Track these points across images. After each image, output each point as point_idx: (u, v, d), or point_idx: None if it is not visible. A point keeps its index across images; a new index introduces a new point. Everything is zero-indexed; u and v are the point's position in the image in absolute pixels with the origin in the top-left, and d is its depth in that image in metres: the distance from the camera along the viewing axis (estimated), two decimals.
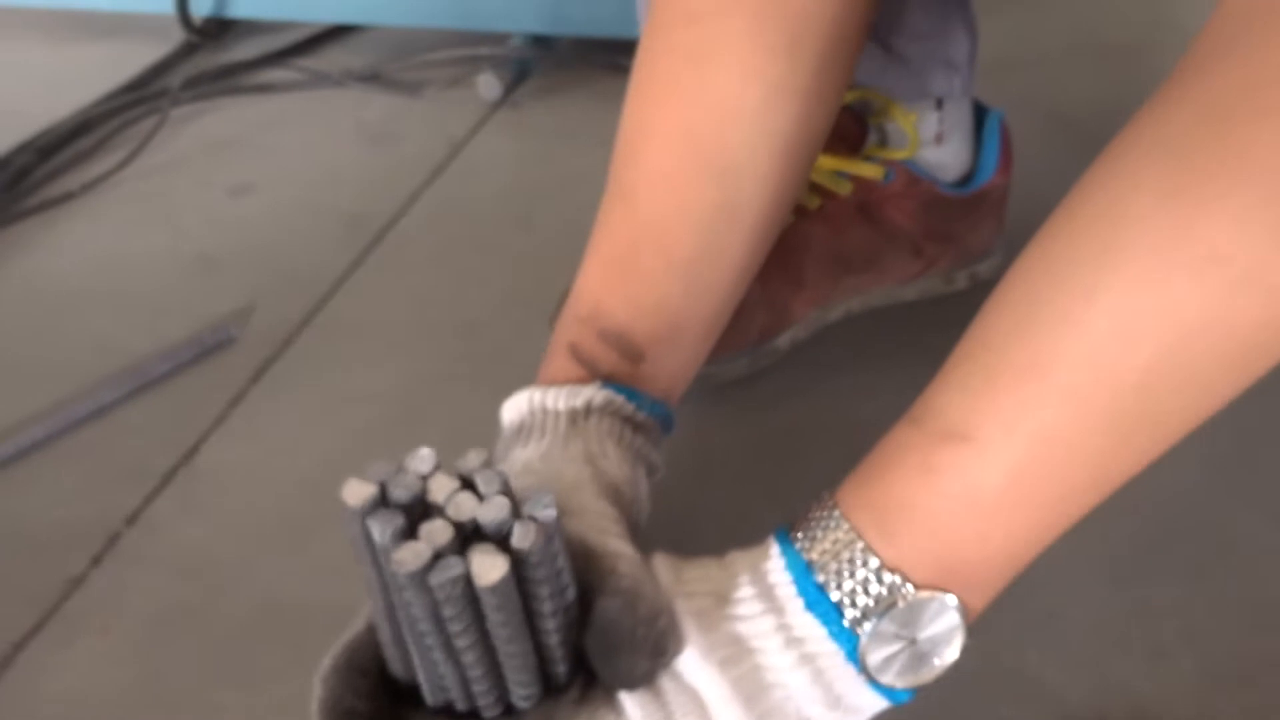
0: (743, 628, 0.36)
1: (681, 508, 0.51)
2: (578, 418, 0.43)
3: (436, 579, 0.31)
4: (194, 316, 0.70)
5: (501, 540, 0.32)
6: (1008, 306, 0.36)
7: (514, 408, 0.45)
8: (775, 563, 0.37)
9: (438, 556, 0.31)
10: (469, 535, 0.32)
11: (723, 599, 0.37)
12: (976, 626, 0.37)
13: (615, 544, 0.37)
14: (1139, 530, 0.51)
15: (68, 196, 0.83)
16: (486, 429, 0.46)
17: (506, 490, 0.33)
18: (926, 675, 0.36)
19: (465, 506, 0.32)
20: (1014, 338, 0.35)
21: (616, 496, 0.41)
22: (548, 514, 0.32)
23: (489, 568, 0.31)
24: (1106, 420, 0.34)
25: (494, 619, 0.32)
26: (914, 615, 0.35)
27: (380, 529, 0.31)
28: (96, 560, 0.54)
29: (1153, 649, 0.46)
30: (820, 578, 0.36)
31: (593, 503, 0.40)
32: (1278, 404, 0.54)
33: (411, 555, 0.31)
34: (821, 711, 0.36)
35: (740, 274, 0.47)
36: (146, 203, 0.84)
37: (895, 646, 0.35)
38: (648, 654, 0.35)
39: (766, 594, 0.37)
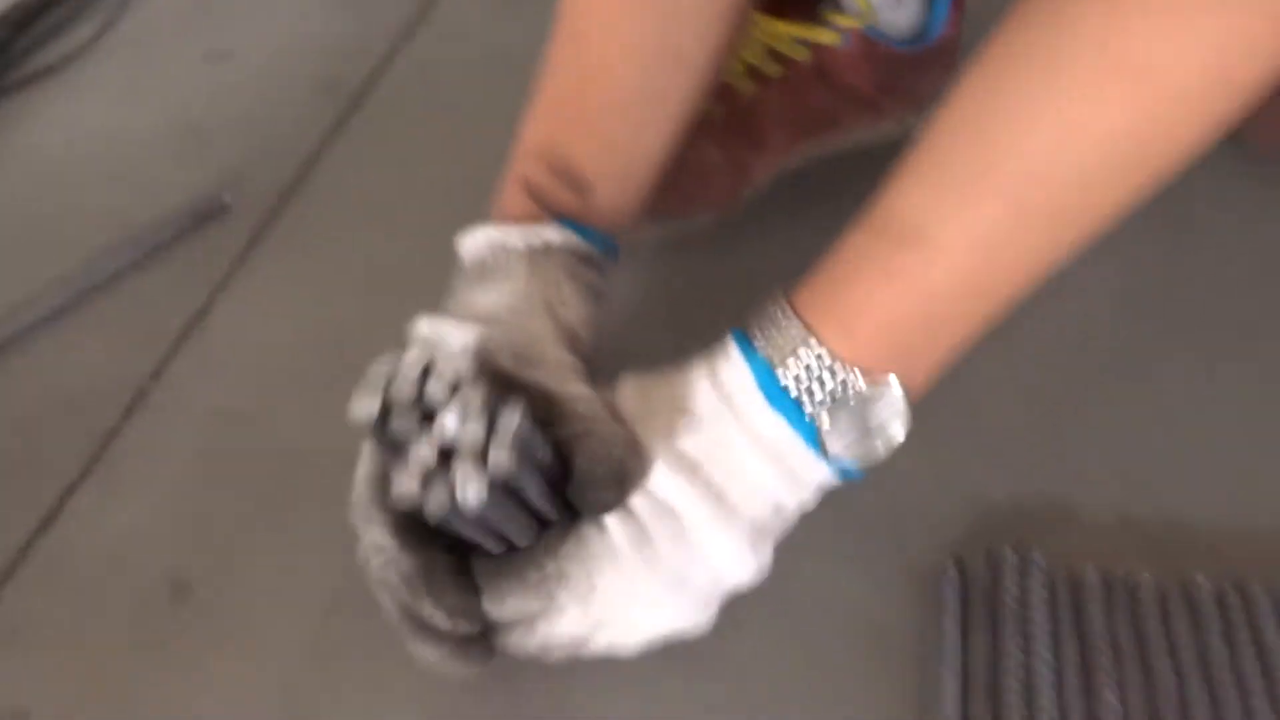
0: (706, 434, 0.41)
1: (641, 347, 0.55)
2: (536, 257, 0.47)
3: (428, 506, 0.36)
4: (186, 186, 0.73)
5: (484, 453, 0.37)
6: (958, 115, 0.39)
7: (473, 245, 0.48)
8: (735, 364, 0.42)
9: (429, 477, 0.36)
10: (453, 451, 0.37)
11: (686, 409, 0.42)
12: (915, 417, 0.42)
13: (573, 388, 0.42)
14: (1057, 349, 0.58)
15: (48, 70, 0.84)
16: None
17: (485, 403, 0.38)
18: (876, 455, 0.41)
19: (448, 429, 0.37)
20: (965, 145, 0.38)
21: (575, 342, 0.46)
22: (519, 429, 0.37)
23: (470, 491, 0.36)
24: (1048, 218, 0.38)
25: (486, 514, 0.38)
26: (867, 405, 0.40)
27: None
28: (128, 413, 0.59)
29: (1073, 456, 0.54)
30: (779, 374, 0.40)
31: (554, 353, 0.44)
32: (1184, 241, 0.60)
33: (406, 486, 0.36)
34: (787, 496, 0.42)
35: (683, 114, 0.51)
36: (127, 73, 0.85)
37: (850, 433, 0.40)
38: (612, 486, 0.41)
39: (728, 398, 0.41)
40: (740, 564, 0.42)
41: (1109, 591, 0.47)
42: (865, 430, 0.40)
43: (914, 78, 0.65)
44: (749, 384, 0.41)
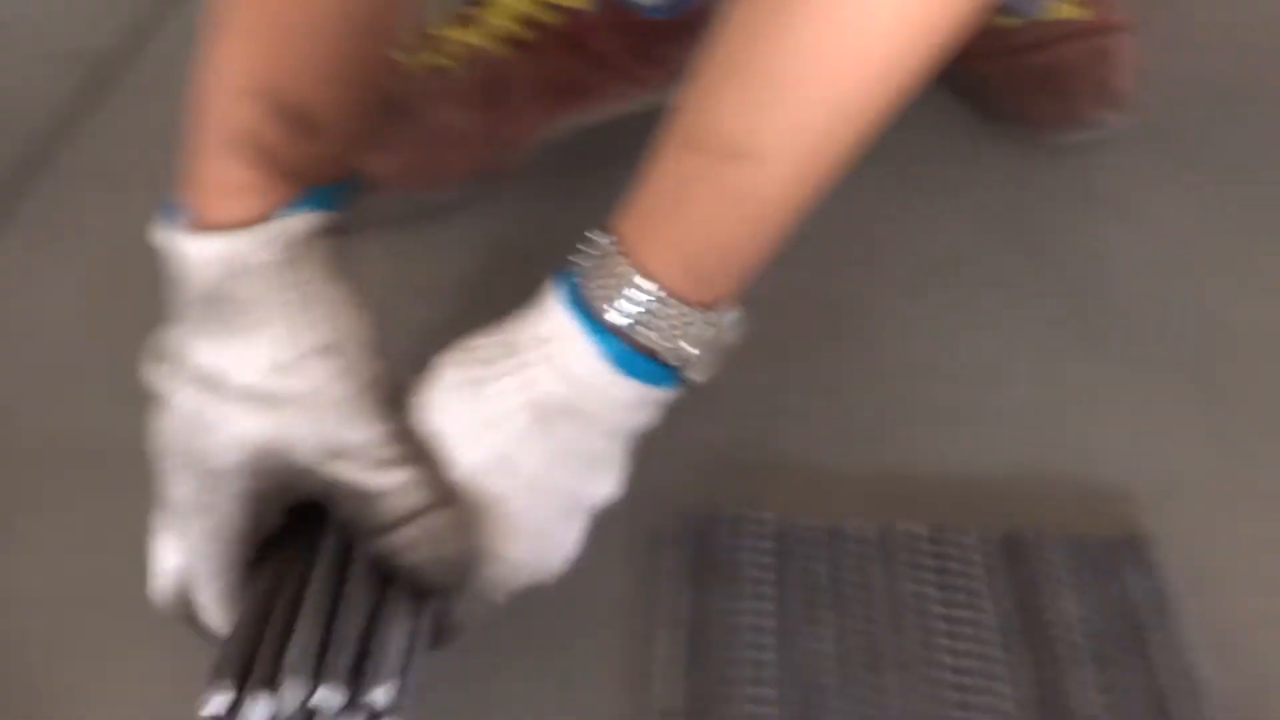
0: (519, 377, 0.39)
1: (414, 326, 0.56)
2: (286, 271, 0.40)
3: None
4: None
5: None
6: (746, 29, 0.38)
7: (203, 267, 0.40)
8: (555, 304, 0.40)
9: None
10: None
11: (490, 362, 0.40)
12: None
13: (385, 478, 0.39)
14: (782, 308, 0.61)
15: None
16: None
17: None
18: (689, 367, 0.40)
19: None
20: (764, 54, 0.38)
21: (360, 365, 0.41)
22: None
23: None
24: (855, 115, 0.38)
25: None
26: (680, 322, 0.39)
27: None
28: None
29: (796, 414, 0.56)
30: (599, 306, 0.39)
31: (353, 429, 0.40)
32: None
33: None
34: (600, 413, 0.40)
35: (388, 33, 0.45)
36: None
37: (704, 359, 0.40)
38: (453, 583, 0.40)
39: (543, 339, 0.39)
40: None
41: (823, 541, 0.49)
42: (713, 349, 0.40)
43: (668, 47, 0.66)
44: (566, 319, 0.39)
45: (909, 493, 0.53)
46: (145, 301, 0.46)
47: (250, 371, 0.39)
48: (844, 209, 0.48)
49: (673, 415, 0.51)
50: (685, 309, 0.39)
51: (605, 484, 0.42)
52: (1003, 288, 0.63)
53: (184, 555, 0.41)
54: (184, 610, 0.42)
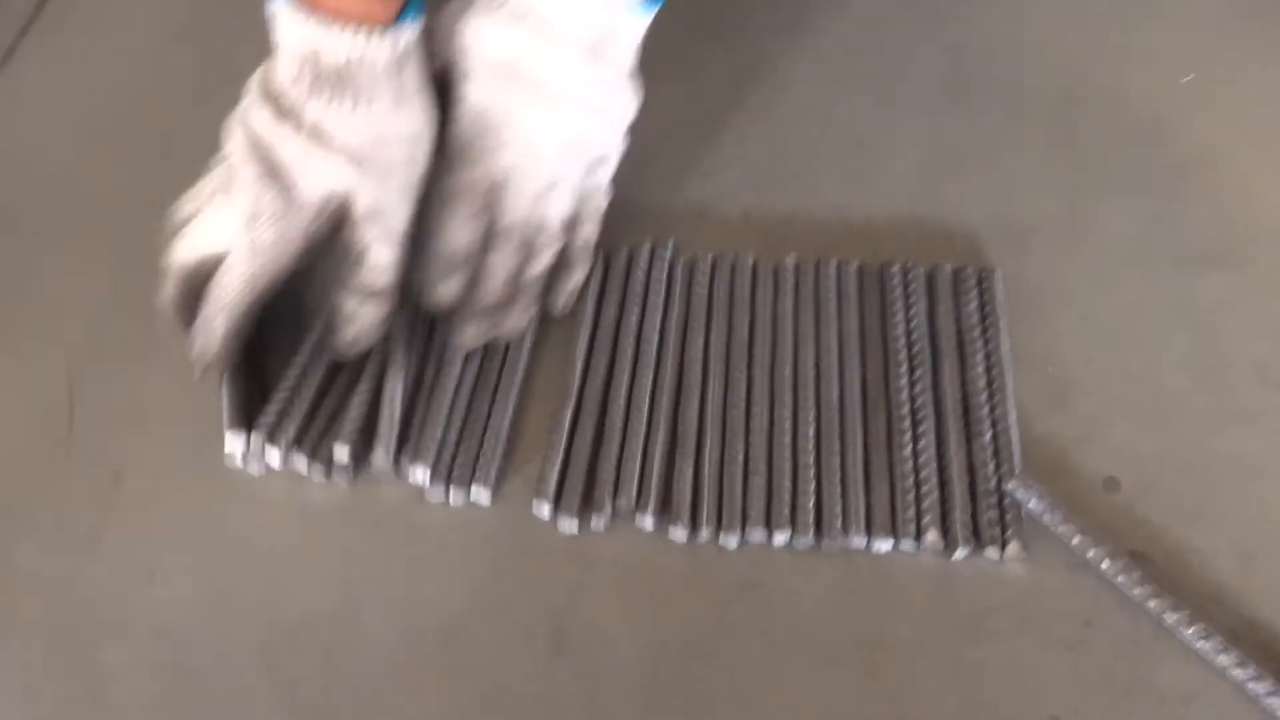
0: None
1: None
2: (400, 65, 0.50)
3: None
4: None
5: None
6: None
7: (334, 51, 0.48)
8: None
9: None
10: None
11: None
12: None
13: (382, 251, 0.52)
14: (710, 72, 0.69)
15: None
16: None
17: None
18: None
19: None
20: None
21: (427, 154, 0.52)
22: None
23: None
24: None
25: None
26: None
27: None
28: None
29: (711, 165, 0.65)
30: None
31: (400, 206, 0.52)
32: None
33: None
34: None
35: None
36: None
37: None
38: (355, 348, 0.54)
39: None
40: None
41: (716, 269, 0.59)
42: None
43: None
44: None
45: (796, 232, 0.62)
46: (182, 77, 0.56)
47: (354, 136, 0.50)
48: None
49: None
50: None
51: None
52: (887, 54, 0.71)
53: (239, 251, 0.50)
54: (185, 293, 0.53)
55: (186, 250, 0.53)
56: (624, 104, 0.57)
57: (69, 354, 0.59)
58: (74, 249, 0.63)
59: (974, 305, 0.57)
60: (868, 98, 0.69)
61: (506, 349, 0.57)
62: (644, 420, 0.54)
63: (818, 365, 0.56)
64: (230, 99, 0.53)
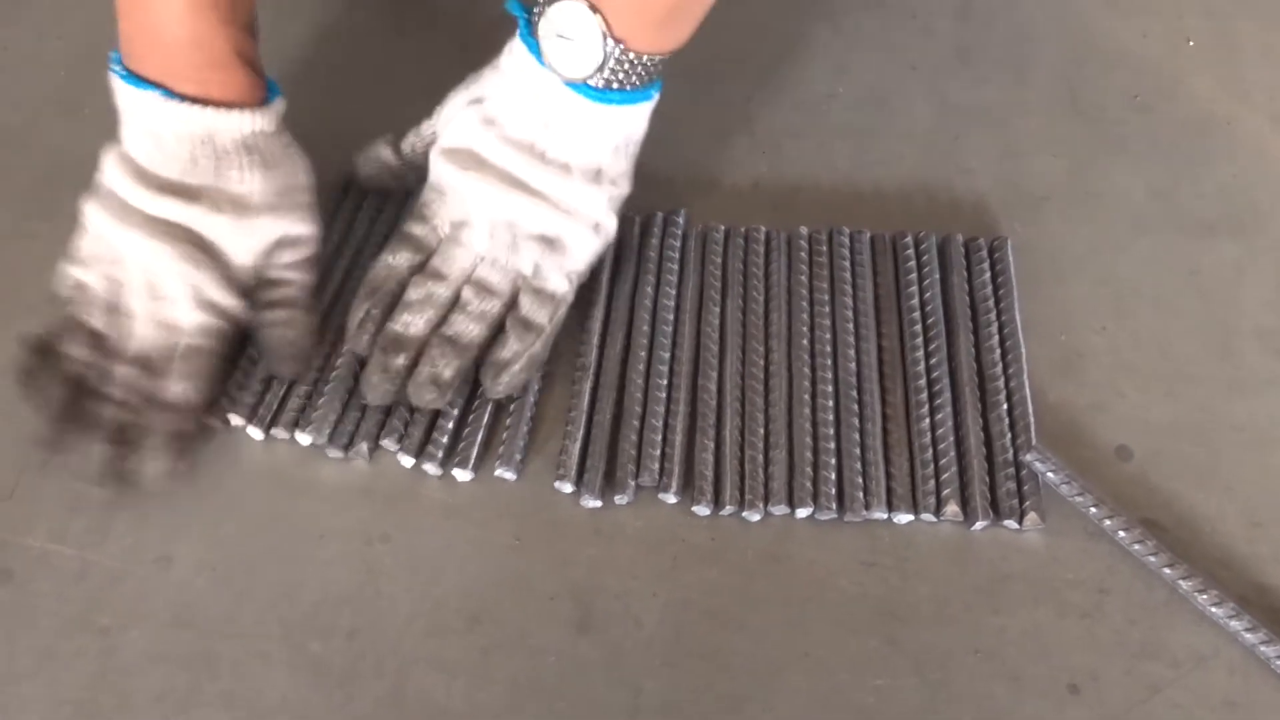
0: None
1: None
2: (280, 130, 0.55)
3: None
4: None
5: None
6: None
7: (234, 129, 0.53)
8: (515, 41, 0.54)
9: None
10: None
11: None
12: None
13: (297, 274, 0.57)
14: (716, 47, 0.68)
15: None
16: None
17: None
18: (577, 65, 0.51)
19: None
20: None
21: (310, 192, 0.56)
22: None
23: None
24: None
25: None
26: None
27: None
28: None
29: (725, 136, 0.65)
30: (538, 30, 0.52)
31: (304, 232, 0.57)
32: None
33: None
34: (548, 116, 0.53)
35: None
36: None
37: (559, 45, 0.51)
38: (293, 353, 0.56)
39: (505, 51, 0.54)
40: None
41: (729, 240, 0.59)
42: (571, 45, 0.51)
43: None
44: (519, 45, 0.53)
45: (808, 201, 0.62)
46: None
47: (269, 194, 0.55)
48: None
49: None
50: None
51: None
52: (901, 17, 0.71)
53: (194, 324, 0.54)
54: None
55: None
56: (567, 190, 0.54)
57: None
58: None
59: (986, 275, 0.58)
60: (877, 65, 0.68)
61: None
62: (663, 396, 0.54)
63: (834, 338, 0.56)
64: None
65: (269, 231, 0.55)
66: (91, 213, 0.54)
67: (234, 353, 0.56)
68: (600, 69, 0.51)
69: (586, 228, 0.55)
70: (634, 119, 0.54)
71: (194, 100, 0.53)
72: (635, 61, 0.51)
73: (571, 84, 0.52)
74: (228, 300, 0.54)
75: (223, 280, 0.54)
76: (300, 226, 0.56)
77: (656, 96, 0.54)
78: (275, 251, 0.56)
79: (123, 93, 0.53)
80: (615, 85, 0.52)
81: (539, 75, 0.52)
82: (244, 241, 0.55)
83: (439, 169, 0.56)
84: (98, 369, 0.53)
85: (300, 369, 0.55)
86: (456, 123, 0.56)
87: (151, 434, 0.52)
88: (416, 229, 0.56)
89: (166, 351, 0.54)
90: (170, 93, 0.52)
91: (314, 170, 0.57)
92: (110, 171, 0.54)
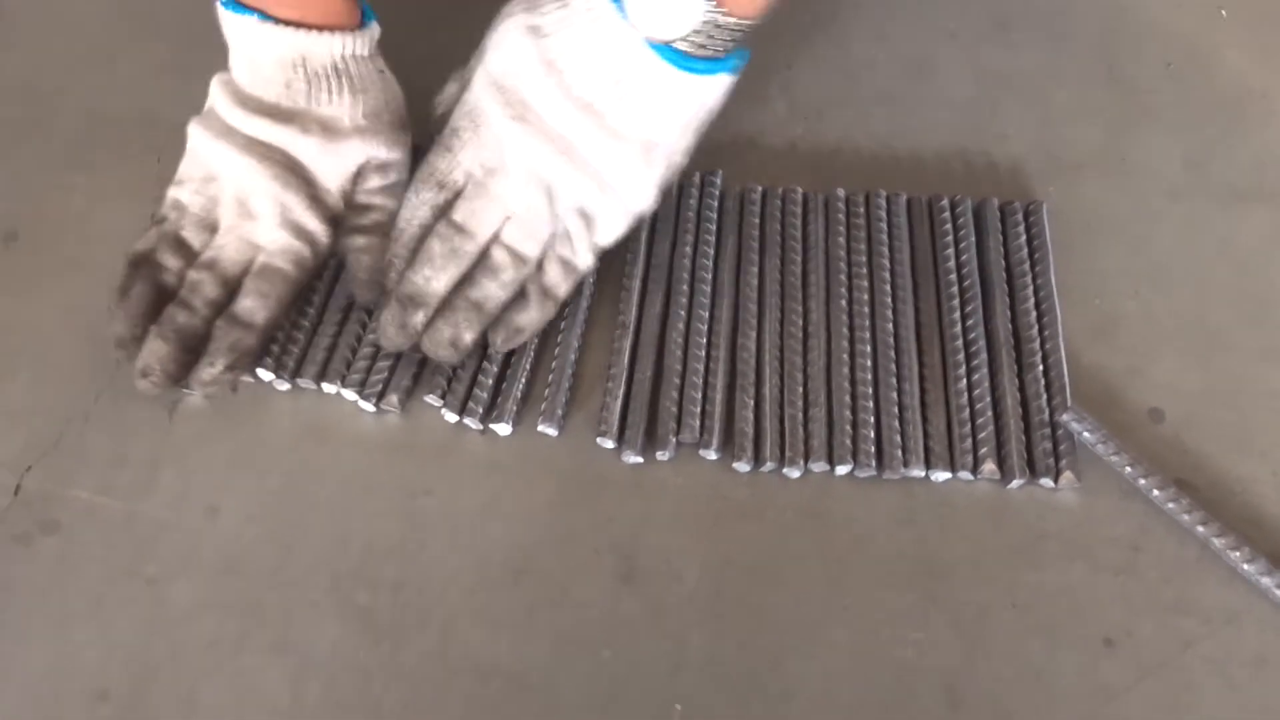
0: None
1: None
2: (373, 55, 0.56)
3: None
4: None
5: None
6: None
7: (326, 50, 0.53)
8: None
9: None
10: None
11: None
12: None
13: (384, 199, 0.57)
14: None
15: None
16: None
17: None
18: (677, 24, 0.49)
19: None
20: None
21: (405, 121, 0.57)
22: None
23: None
24: None
25: None
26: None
27: None
28: None
29: (761, 97, 0.65)
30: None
31: (395, 157, 0.57)
32: None
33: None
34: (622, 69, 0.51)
35: None
36: None
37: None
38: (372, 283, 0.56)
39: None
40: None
41: (766, 201, 0.60)
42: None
43: None
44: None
45: (846, 164, 0.62)
46: None
47: (358, 117, 0.55)
48: None
49: None
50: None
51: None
52: None
53: (277, 243, 0.55)
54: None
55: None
56: (617, 165, 0.53)
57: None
58: (115, 175, 0.62)
59: (1022, 239, 0.58)
60: (914, 30, 0.69)
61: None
62: (703, 355, 0.54)
63: (872, 299, 0.56)
64: None
65: (357, 154, 0.55)
66: (193, 131, 0.55)
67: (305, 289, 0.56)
68: (696, 32, 0.49)
69: (624, 207, 0.54)
70: (713, 90, 0.52)
71: (289, 24, 0.53)
72: (733, 26, 0.49)
73: (654, 44, 0.49)
74: (312, 223, 0.54)
75: (310, 202, 0.54)
76: (389, 150, 0.56)
77: (740, 67, 0.51)
78: (364, 175, 0.56)
79: (225, 19, 0.54)
80: (700, 53, 0.49)
81: (617, 28, 0.50)
82: (333, 163, 0.55)
83: (482, 97, 0.54)
84: (182, 278, 0.55)
85: (379, 296, 0.55)
86: (509, 49, 0.53)
87: (213, 342, 0.53)
88: (441, 162, 0.55)
89: (244, 267, 0.54)
90: (266, 16, 0.52)
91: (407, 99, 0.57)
92: (214, 94, 0.55)
